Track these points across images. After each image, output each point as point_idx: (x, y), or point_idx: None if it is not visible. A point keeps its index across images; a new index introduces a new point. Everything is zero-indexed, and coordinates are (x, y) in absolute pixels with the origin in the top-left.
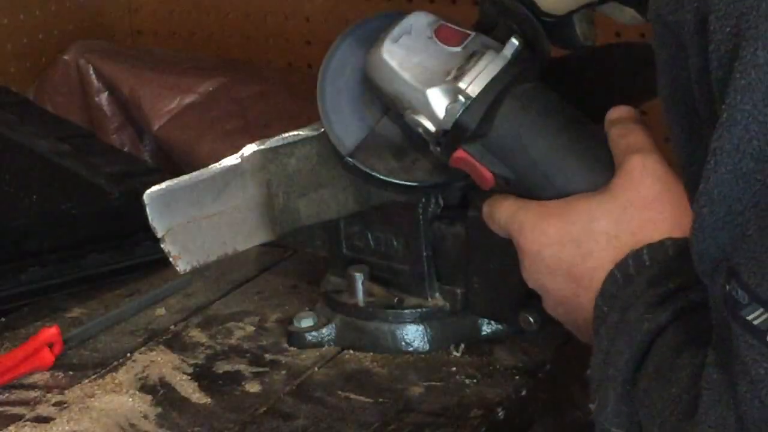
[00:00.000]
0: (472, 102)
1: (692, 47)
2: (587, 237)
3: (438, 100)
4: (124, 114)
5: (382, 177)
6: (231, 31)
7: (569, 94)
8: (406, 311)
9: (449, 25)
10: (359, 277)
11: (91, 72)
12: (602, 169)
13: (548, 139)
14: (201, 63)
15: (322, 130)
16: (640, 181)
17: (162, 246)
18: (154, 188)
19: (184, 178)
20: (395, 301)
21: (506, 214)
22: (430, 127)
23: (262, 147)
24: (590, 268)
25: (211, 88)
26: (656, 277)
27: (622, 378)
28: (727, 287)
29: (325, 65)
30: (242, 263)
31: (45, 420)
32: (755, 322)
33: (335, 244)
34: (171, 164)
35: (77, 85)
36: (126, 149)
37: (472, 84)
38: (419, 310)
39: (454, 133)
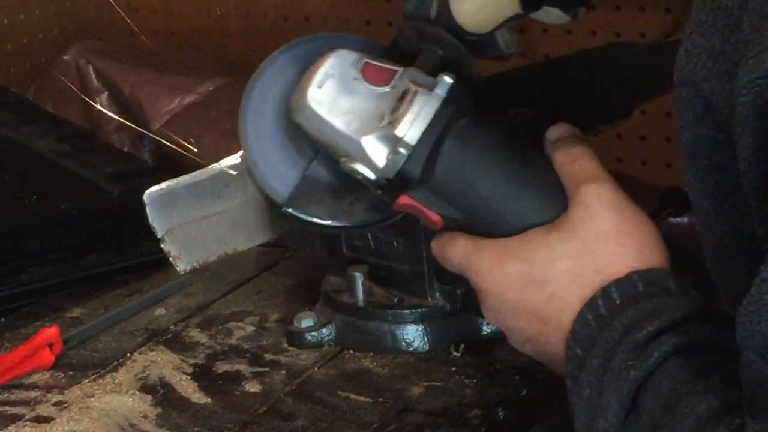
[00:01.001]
0: (413, 150)
1: (747, 127)
2: (550, 277)
3: (375, 149)
4: (124, 114)
5: (324, 222)
6: (231, 31)
7: (569, 96)
8: (406, 311)
9: (374, 62)
10: (359, 277)
11: (91, 72)
12: (554, 199)
13: (494, 175)
14: (201, 63)
15: None
16: (598, 213)
17: (162, 246)
18: (154, 188)
19: (184, 178)
20: (395, 301)
21: (459, 255)
22: (370, 175)
23: None
24: (557, 308)
25: (211, 88)
26: (633, 319)
27: (614, 429)
28: None
29: (243, 107)
30: (242, 263)
31: (45, 420)
32: None
33: (335, 244)
34: (171, 164)
35: (77, 85)
36: (126, 149)
37: (410, 131)
38: (419, 310)
39: (396, 182)
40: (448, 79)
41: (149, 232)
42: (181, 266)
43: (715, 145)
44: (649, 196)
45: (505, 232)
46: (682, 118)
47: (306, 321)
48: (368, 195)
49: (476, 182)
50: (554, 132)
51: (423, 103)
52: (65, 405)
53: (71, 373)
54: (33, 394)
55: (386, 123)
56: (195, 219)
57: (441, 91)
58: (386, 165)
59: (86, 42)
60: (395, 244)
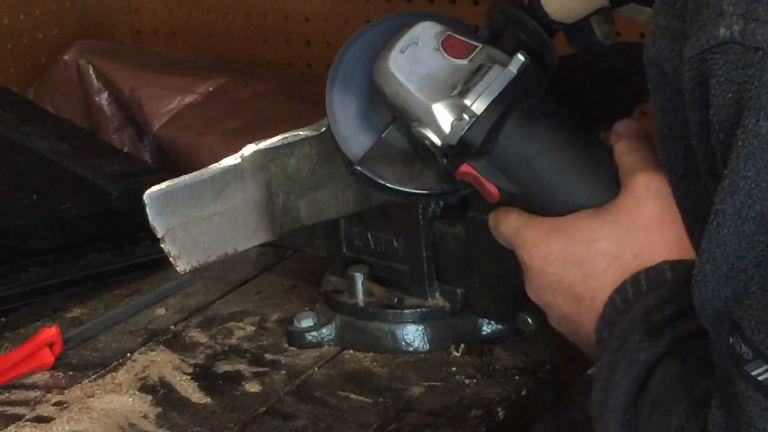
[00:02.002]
0: (477, 119)
1: (692, 103)
2: (589, 257)
3: (443, 116)
4: (124, 114)
5: (390, 185)
6: (231, 31)
7: (570, 94)
8: (406, 311)
9: (456, 36)
10: (359, 277)
11: (91, 72)
12: (607, 186)
13: (553, 156)
14: (201, 63)
15: (323, 129)
16: (644, 201)
17: (162, 246)
18: (154, 188)
19: (184, 178)
20: (395, 301)
21: (511, 228)
22: (436, 140)
23: (262, 147)
24: (591, 288)
25: (211, 88)
26: (653, 303)
27: (622, 408)
28: (731, 340)
29: (333, 69)
30: (242, 263)
31: (45, 420)
32: (759, 378)
33: (335, 244)
34: (171, 164)
35: (77, 85)
36: (126, 149)
37: (478, 101)
38: (419, 310)
39: (459, 149)
40: (521, 57)
41: (149, 232)
42: (181, 266)
43: (684, 127)
44: None
45: (556, 211)
46: (653, 99)
47: (306, 321)
48: (436, 165)
49: (535, 160)
50: (621, 125)
51: (494, 76)
52: (65, 405)
53: (71, 373)
54: (33, 394)
55: (457, 92)
56: (195, 219)
57: (513, 68)
58: (451, 131)
59: (86, 42)
60: (395, 244)
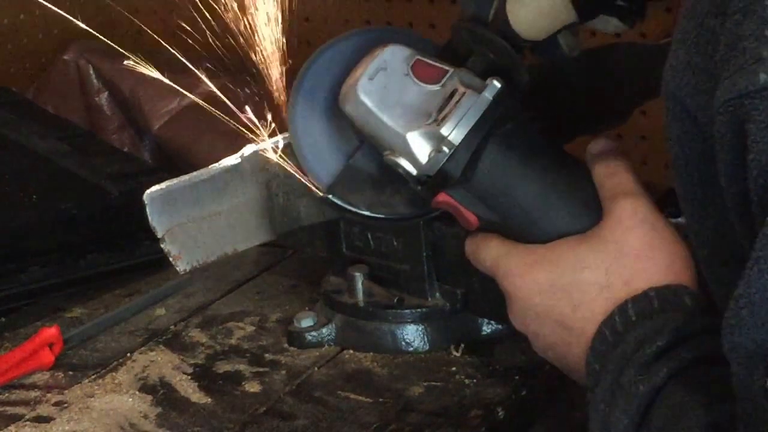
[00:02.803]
0: (456, 150)
1: (724, 145)
2: (577, 287)
3: (419, 145)
4: (124, 114)
5: (362, 212)
6: (231, 31)
7: (569, 96)
8: (406, 311)
9: (425, 60)
10: (359, 277)
11: (91, 72)
12: (589, 211)
13: (533, 183)
14: (201, 63)
15: None
16: (631, 228)
17: (162, 246)
18: (154, 188)
19: (184, 178)
20: (395, 301)
21: (493, 257)
22: (411, 170)
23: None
24: (581, 318)
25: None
26: (645, 335)
27: None
28: (767, 382)
29: (295, 92)
30: (242, 263)
31: (45, 420)
32: None
33: (335, 244)
34: (171, 164)
35: (77, 85)
36: (126, 149)
37: (455, 131)
38: (419, 310)
39: (436, 179)
40: (496, 83)
41: (149, 232)
42: (181, 266)
43: (702, 158)
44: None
45: (538, 238)
46: (670, 132)
47: (306, 321)
48: (408, 189)
49: (515, 188)
50: (596, 146)
51: (470, 104)
52: (65, 405)
53: (71, 373)
54: (33, 394)
55: (432, 121)
56: (195, 219)
57: (489, 95)
58: (428, 162)
59: (86, 42)
60: (395, 244)
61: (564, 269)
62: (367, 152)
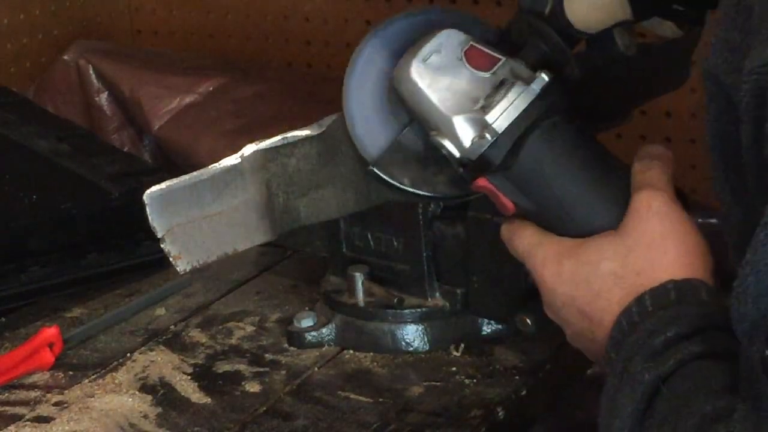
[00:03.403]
0: (498, 138)
1: (746, 115)
2: (596, 277)
3: (464, 129)
4: (124, 114)
5: (404, 188)
6: (231, 31)
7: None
8: (406, 311)
9: (479, 47)
10: (359, 277)
11: (91, 72)
12: (623, 207)
13: (571, 176)
14: (201, 63)
15: (323, 129)
16: (646, 220)
17: (162, 246)
18: (154, 188)
19: (184, 178)
20: (395, 301)
21: (525, 245)
22: (455, 152)
23: (262, 147)
24: (600, 308)
25: (211, 88)
26: (656, 325)
27: (628, 429)
28: (767, 352)
29: (351, 67)
30: (242, 263)
31: (45, 420)
32: None
33: (335, 244)
34: (171, 164)
35: (77, 85)
36: (126, 149)
37: (500, 118)
38: (419, 310)
39: (478, 164)
40: (545, 77)
41: (149, 232)
42: (181, 266)
43: (737, 138)
44: None
45: (572, 230)
46: (708, 111)
47: (306, 321)
48: (451, 171)
49: (553, 180)
50: (644, 148)
51: (517, 95)
52: (65, 405)
53: (71, 373)
54: (33, 394)
55: (479, 107)
56: (195, 219)
57: (536, 87)
58: (471, 146)
59: (86, 42)
60: (395, 244)
61: (586, 260)
62: (416, 131)
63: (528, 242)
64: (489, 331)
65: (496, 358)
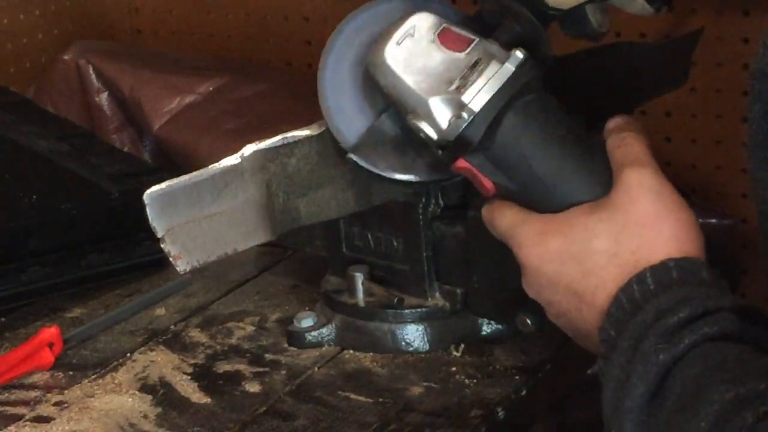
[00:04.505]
0: (475, 117)
1: None
2: (587, 255)
3: (440, 111)
4: (124, 114)
5: (383, 174)
6: (231, 31)
7: (569, 95)
8: (406, 311)
9: (453, 28)
10: (359, 277)
11: (91, 72)
12: (603, 181)
13: (550, 153)
14: (201, 63)
15: (323, 129)
16: (638, 197)
17: (162, 246)
18: (154, 188)
19: (184, 178)
20: (395, 301)
21: (506, 224)
22: (432, 134)
23: (262, 147)
24: (591, 285)
25: (211, 88)
26: (666, 305)
27: (639, 409)
28: None
29: (325, 56)
30: (242, 263)
31: (45, 420)
32: None
33: (335, 244)
34: (171, 164)
35: (77, 85)
36: (126, 149)
37: (476, 97)
38: (419, 310)
39: (456, 145)
40: (519, 54)
41: (149, 232)
42: (181, 266)
43: None
44: None
45: (553, 207)
46: (751, 110)
47: (306, 321)
48: (430, 155)
49: (532, 157)
50: (612, 122)
51: (492, 73)
52: (65, 405)
53: (71, 373)
54: (33, 394)
55: (454, 87)
56: (195, 219)
57: (511, 65)
58: (448, 127)
59: (86, 42)
60: (395, 244)
61: (574, 237)
62: (393, 116)
63: (510, 221)
64: (489, 331)
65: (496, 358)
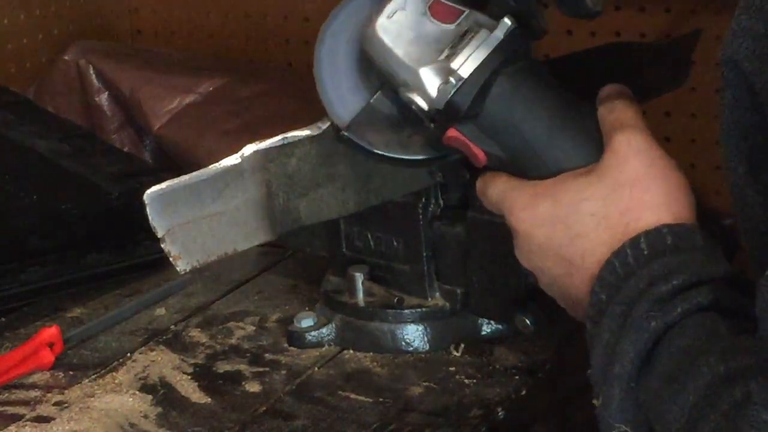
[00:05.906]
0: (464, 83)
1: None
2: (576, 218)
3: (430, 80)
4: (124, 114)
5: (377, 151)
6: (231, 31)
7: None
8: (406, 311)
9: (443, 1)
10: (359, 277)
11: (91, 72)
12: (593, 147)
13: (539, 119)
14: (201, 63)
15: (323, 129)
16: (626, 159)
17: (162, 246)
18: (154, 188)
19: (184, 178)
20: (395, 301)
21: (498, 192)
22: (423, 105)
23: (262, 147)
24: (581, 248)
25: (211, 88)
26: (660, 271)
27: (628, 376)
28: None
29: (322, 35)
30: (242, 263)
31: (45, 420)
32: None
33: (335, 244)
34: (171, 164)
35: (77, 85)
36: (126, 149)
37: (464, 64)
38: (419, 310)
39: (446, 113)
40: (507, 22)
41: (149, 232)
42: (181, 266)
43: (754, 126)
44: None
45: (544, 174)
46: (723, 98)
47: (306, 321)
48: (424, 131)
49: (522, 123)
50: (605, 90)
51: (481, 41)
52: (65, 405)
53: (71, 373)
54: (33, 394)
55: (444, 57)
56: (195, 219)
57: (500, 33)
58: (438, 95)
59: (86, 42)
60: (395, 244)
61: (563, 201)
62: (388, 94)
63: (502, 188)
64: (489, 331)
65: (496, 358)
